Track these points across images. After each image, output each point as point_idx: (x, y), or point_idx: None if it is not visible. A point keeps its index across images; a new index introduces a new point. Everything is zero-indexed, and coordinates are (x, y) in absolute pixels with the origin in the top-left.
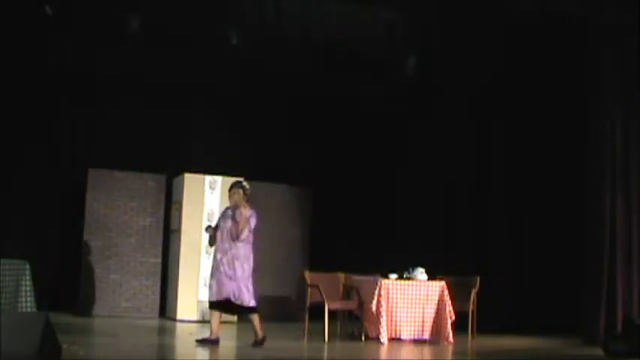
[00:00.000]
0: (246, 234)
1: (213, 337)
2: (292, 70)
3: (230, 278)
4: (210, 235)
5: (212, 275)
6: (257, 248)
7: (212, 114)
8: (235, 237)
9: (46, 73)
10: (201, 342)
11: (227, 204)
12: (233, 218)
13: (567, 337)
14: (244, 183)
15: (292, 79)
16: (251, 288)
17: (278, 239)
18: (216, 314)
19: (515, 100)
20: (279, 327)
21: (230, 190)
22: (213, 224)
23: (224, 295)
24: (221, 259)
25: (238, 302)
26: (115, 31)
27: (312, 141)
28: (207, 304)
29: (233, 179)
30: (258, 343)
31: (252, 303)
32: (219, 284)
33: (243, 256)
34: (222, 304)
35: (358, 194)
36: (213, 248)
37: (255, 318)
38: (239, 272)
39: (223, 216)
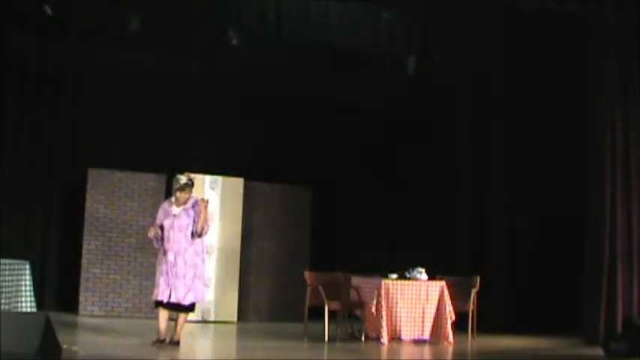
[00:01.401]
0: (207, 229)
1: (162, 337)
2: (292, 70)
3: (183, 277)
4: (158, 236)
5: (161, 275)
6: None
7: (212, 114)
8: (198, 234)
9: (46, 73)
10: (157, 343)
11: (228, 204)
12: (189, 215)
13: (567, 337)
14: (193, 180)
15: (292, 79)
16: (200, 283)
17: (278, 239)
18: (164, 313)
19: (515, 100)
20: (279, 327)
21: (183, 190)
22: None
23: (174, 298)
24: (175, 259)
25: (184, 302)
26: (115, 30)
27: (312, 141)
28: (207, 304)
29: (233, 179)
30: (175, 342)
31: (197, 300)
32: (172, 286)
33: (201, 250)
34: (170, 305)
35: (358, 194)
36: (181, 247)
37: (185, 317)
38: (197, 268)
39: (175, 214)
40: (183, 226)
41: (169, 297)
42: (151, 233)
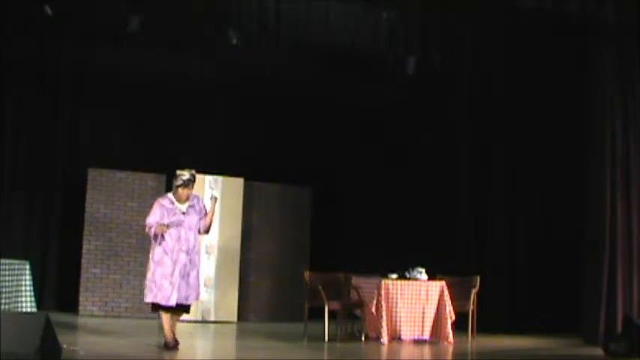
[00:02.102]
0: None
1: (173, 341)
2: (292, 70)
3: (188, 276)
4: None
5: (164, 277)
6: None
7: (212, 114)
8: (205, 231)
9: (46, 73)
10: (166, 347)
11: (228, 204)
12: (197, 212)
13: (567, 337)
14: (195, 175)
15: (292, 79)
16: (198, 281)
17: (278, 239)
18: (169, 316)
19: (515, 100)
20: (279, 327)
21: (186, 187)
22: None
23: (180, 299)
24: (186, 260)
25: (188, 302)
26: (115, 30)
27: (312, 141)
28: (207, 304)
29: (233, 179)
30: (176, 345)
31: (197, 299)
32: (178, 288)
33: (199, 248)
34: (179, 308)
35: (358, 194)
36: (191, 246)
37: (180, 317)
38: (197, 267)
39: (183, 212)
40: (193, 223)
41: (175, 299)
42: (162, 229)
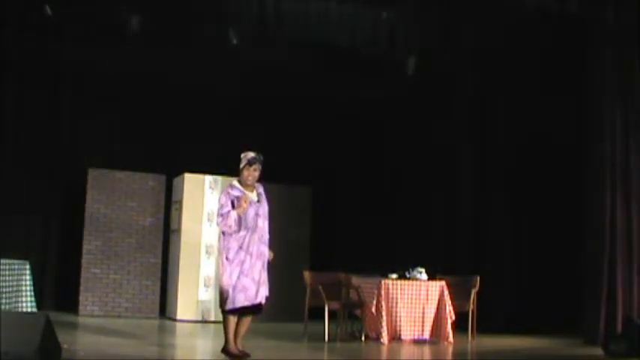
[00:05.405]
0: None
1: (237, 350)
2: (292, 70)
3: (266, 271)
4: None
5: (244, 274)
6: None
7: (212, 114)
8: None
9: (46, 73)
10: (228, 355)
11: None
12: (267, 200)
13: (567, 337)
14: (261, 157)
15: (292, 79)
16: None
17: (278, 239)
18: (235, 321)
19: (515, 100)
20: (279, 327)
21: (253, 164)
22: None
23: (261, 297)
24: (264, 251)
25: (264, 299)
26: (115, 30)
27: (312, 141)
28: (207, 304)
29: (233, 179)
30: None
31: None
32: (261, 284)
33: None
34: (252, 307)
35: (358, 194)
36: (267, 237)
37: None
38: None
39: (258, 201)
40: (267, 213)
41: (256, 297)
42: (244, 208)
